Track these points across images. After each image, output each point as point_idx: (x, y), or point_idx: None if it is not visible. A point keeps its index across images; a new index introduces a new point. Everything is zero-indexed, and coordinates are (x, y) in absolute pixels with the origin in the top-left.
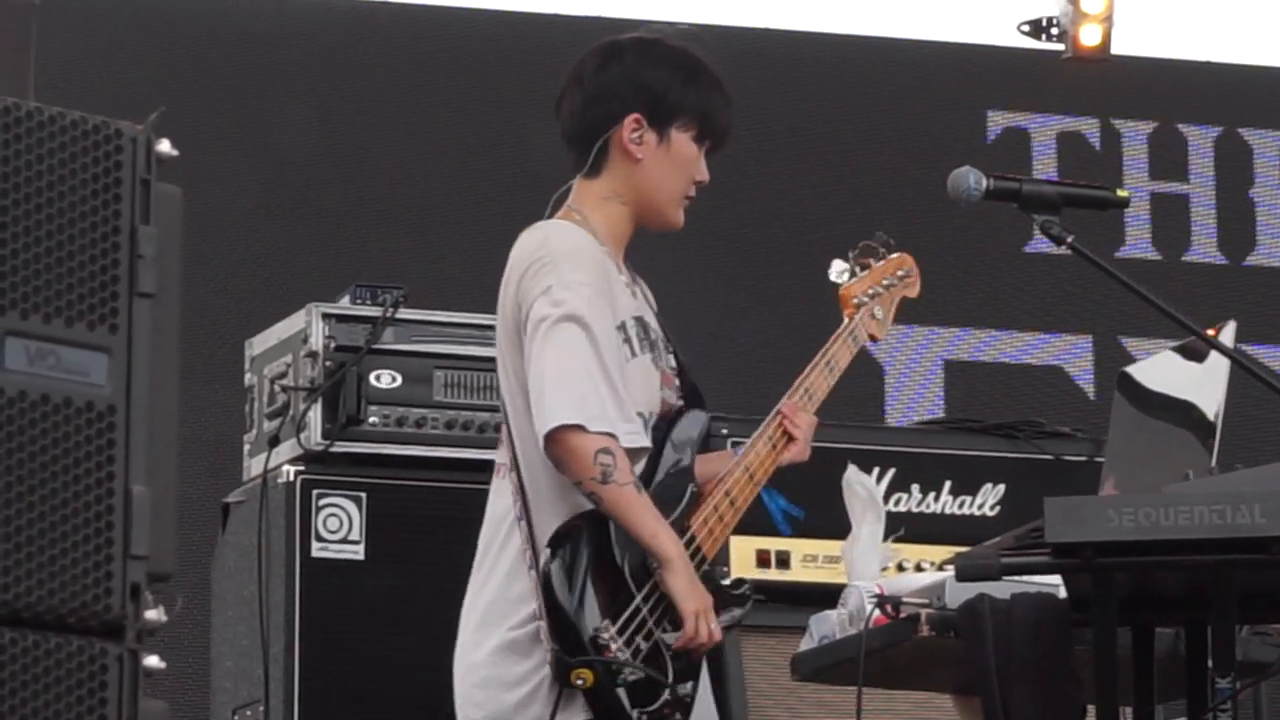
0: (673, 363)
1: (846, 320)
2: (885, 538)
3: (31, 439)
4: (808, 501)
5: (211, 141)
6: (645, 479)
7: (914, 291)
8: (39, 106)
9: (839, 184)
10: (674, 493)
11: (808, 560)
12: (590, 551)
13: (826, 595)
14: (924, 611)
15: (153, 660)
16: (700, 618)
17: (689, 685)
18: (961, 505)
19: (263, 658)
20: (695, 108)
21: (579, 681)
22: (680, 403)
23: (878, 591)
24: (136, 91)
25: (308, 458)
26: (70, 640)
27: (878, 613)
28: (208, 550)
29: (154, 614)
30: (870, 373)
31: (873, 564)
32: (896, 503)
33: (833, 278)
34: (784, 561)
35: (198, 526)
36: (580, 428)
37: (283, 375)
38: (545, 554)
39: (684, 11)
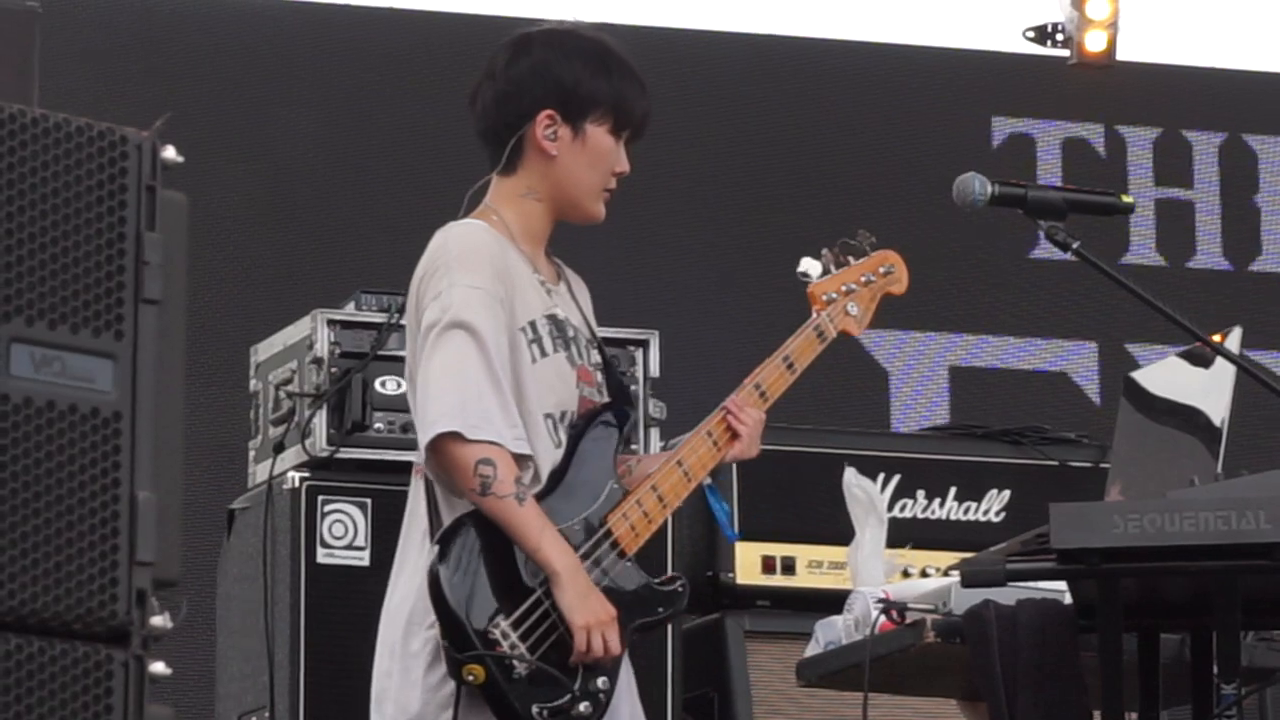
0: (596, 358)
1: (813, 316)
2: (896, 547)
3: (37, 445)
4: (813, 507)
5: (216, 148)
6: (556, 476)
7: (900, 288)
8: (44, 113)
9: (843, 190)
10: (590, 490)
11: (813, 566)
12: (483, 546)
13: (832, 601)
14: (930, 617)
15: (158, 666)
16: (591, 632)
17: (601, 680)
18: (967, 511)
19: (268, 664)
20: (608, 99)
21: (470, 678)
22: (603, 400)
23: (883, 597)
24: (141, 98)
25: (313, 464)
26: (76, 646)
27: (883, 618)
28: (213, 556)
29: (159, 620)
30: (875, 379)
31: (877, 569)
32: (902, 509)
33: (800, 274)
34: (789, 567)
35: (203, 532)
36: (458, 436)
37: (288, 381)
38: (433, 551)
39: (689, 16)
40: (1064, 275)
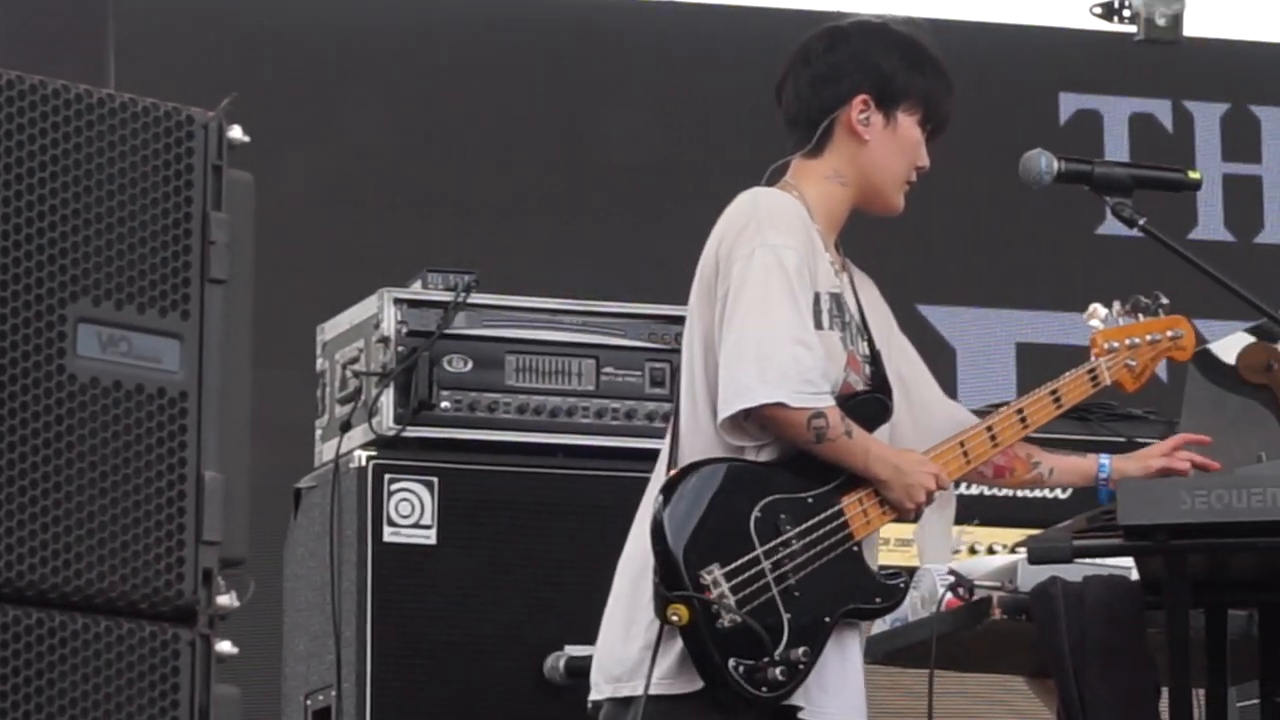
0: (865, 350)
1: (1090, 360)
2: (961, 524)
3: (104, 425)
4: None
5: (282, 128)
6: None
7: (1185, 355)
8: (111, 93)
9: None
10: (829, 468)
11: (880, 543)
12: (709, 496)
13: None
14: (996, 594)
15: (225, 645)
16: (922, 504)
17: (802, 650)
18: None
19: (335, 642)
20: (921, 91)
21: (674, 618)
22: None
23: (950, 574)
24: (208, 78)
25: (380, 443)
26: (143, 626)
27: (950, 595)
28: (280, 535)
29: (226, 599)
30: (942, 355)
31: (944, 547)
32: (969, 485)
33: (1086, 320)
34: None
35: (270, 512)
36: (783, 405)
37: (355, 360)
38: (658, 500)
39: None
40: (1131, 251)
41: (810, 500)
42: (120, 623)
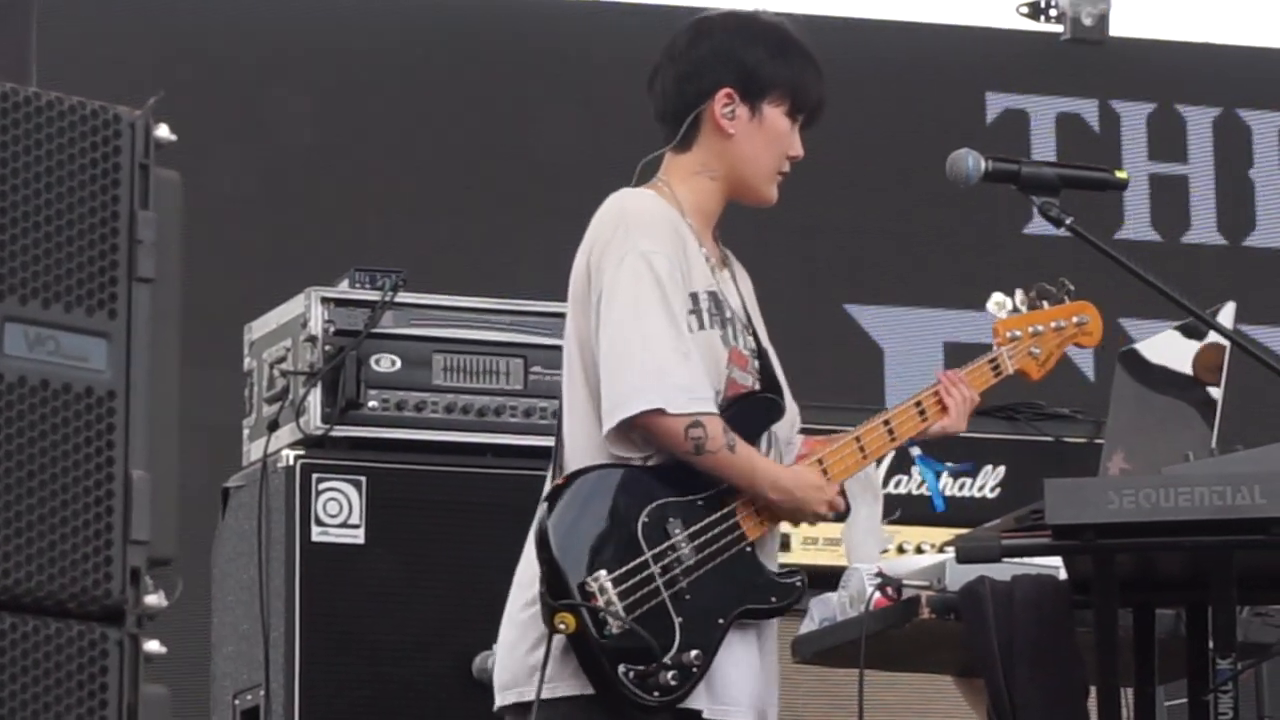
0: (752, 345)
1: (992, 350)
2: (889, 522)
3: (31, 424)
4: None
5: (210, 127)
6: None
7: (1092, 341)
8: (37, 91)
9: (838, 166)
10: None
11: (808, 543)
12: (595, 503)
13: (827, 578)
14: (925, 594)
15: (153, 645)
16: (814, 521)
17: (694, 654)
18: (962, 487)
19: (263, 642)
20: (787, 82)
21: (561, 626)
22: (754, 386)
23: (879, 574)
24: (135, 77)
25: (307, 442)
26: (70, 625)
27: (879, 595)
28: (208, 535)
29: (154, 599)
30: (870, 355)
31: (872, 546)
32: (896, 484)
33: (989, 308)
34: (784, 544)
35: (198, 511)
36: (661, 412)
37: (282, 360)
38: (543, 509)
39: None
40: (1058, 251)
41: (700, 502)
42: (48, 622)
